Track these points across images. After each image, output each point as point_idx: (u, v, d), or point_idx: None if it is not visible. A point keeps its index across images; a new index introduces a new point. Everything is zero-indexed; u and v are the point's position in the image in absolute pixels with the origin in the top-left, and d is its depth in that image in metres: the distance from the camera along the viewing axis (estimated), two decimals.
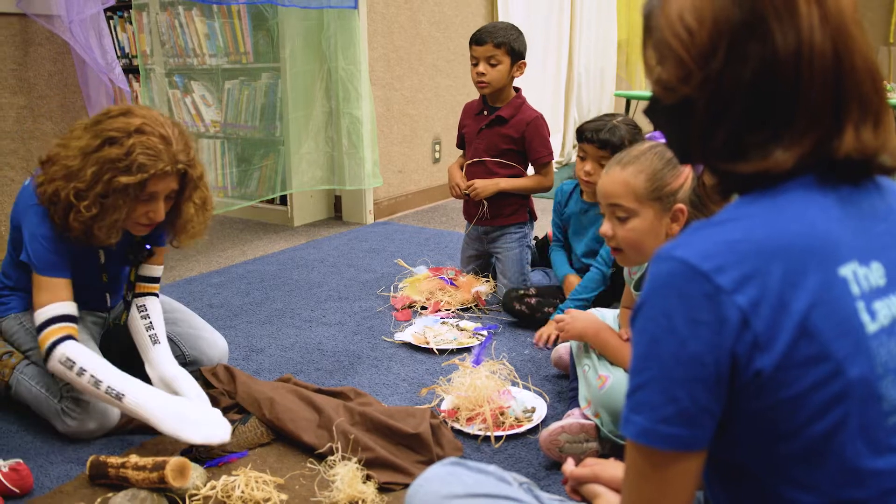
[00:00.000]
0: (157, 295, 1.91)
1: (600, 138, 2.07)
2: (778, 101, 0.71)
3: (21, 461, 1.53)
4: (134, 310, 1.85)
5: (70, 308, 1.68)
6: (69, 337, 1.64)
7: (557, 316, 1.71)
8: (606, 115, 2.19)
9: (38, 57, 2.51)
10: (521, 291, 2.41)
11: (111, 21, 4.19)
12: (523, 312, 2.36)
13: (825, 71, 0.70)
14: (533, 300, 2.36)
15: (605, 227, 1.49)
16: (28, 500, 1.50)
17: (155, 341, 1.80)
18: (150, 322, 1.83)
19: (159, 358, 1.78)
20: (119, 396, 1.58)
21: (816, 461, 0.70)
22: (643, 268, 1.63)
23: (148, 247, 1.87)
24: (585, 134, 2.12)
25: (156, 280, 1.91)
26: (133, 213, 1.66)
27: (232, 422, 1.74)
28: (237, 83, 3.81)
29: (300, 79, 3.60)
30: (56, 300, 1.66)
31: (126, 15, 4.19)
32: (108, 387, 1.58)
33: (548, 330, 2.11)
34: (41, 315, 1.65)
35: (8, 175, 2.46)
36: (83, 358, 1.61)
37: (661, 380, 0.70)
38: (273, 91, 3.67)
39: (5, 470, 1.50)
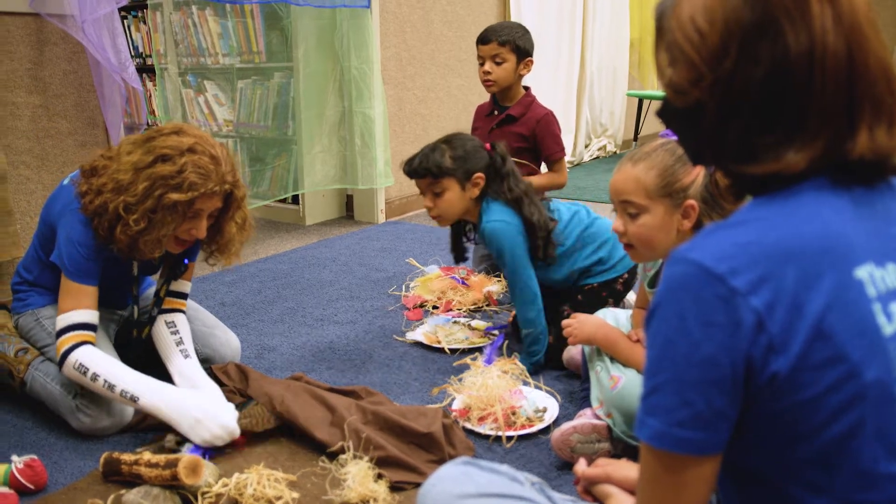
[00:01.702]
0: (184, 312, 1.92)
1: (414, 169, 2.01)
2: (790, 103, 0.71)
3: (35, 457, 1.54)
4: (162, 325, 1.86)
5: (91, 316, 1.71)
6: (84, 343, 1.67)
7: (565, 322, 1.71)
8: (428, 144, 2.08)
9: (54, 56, 2.53)
10: None
11: (125, 21, 4.21)
12: None
13: (838, 72, 0.70)
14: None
15: (617, 224, 1.50)
16: (42, 497, 1.51)
17: (186, 355, 1.82)
18: (181, 338, 1.85)
19: (190, 369, 1.78)
20: (134, 399, 1.62)
21: (831, 464, 0.69)
22: (657, 265, 1.63)
23: (186, 261, 1.89)
24: (404, 169, 2.05)
25: (184, 296, 1.93)
26: (178, 230, 1.69)
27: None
28: (250, 82, 3.83)
29: (313, 78, 3.61)
30: (79, 307, 1.69)
31: (140, 14, 4.22)
32: (123, 390, 1.63)
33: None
34: (62, 320, 1.68)
35: (24, 173, 2.48)
36: (96, 363, 1.64)
37: (676, 382, 0.70)
38: (286, 90, 3.69)
39: (20, 466, 1.51)
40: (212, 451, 1.61)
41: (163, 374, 1.78)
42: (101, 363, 1.65)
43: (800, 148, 0.72)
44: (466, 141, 2.01)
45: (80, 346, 1.66)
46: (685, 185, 1.43)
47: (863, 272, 0.70)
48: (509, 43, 2.51)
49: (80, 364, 1.64)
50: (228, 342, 2.01)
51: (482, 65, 2.56)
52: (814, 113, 0.71)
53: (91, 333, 1.70)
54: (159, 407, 1.61)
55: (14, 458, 1.53)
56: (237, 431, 1.61)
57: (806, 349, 0.67)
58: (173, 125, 1.72)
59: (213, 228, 1.79)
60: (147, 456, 1.51)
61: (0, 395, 1.93)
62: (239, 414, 1.65)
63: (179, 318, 1.90)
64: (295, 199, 3.96)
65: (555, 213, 2.07)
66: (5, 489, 1.46)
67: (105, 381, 1.63)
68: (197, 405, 1.61)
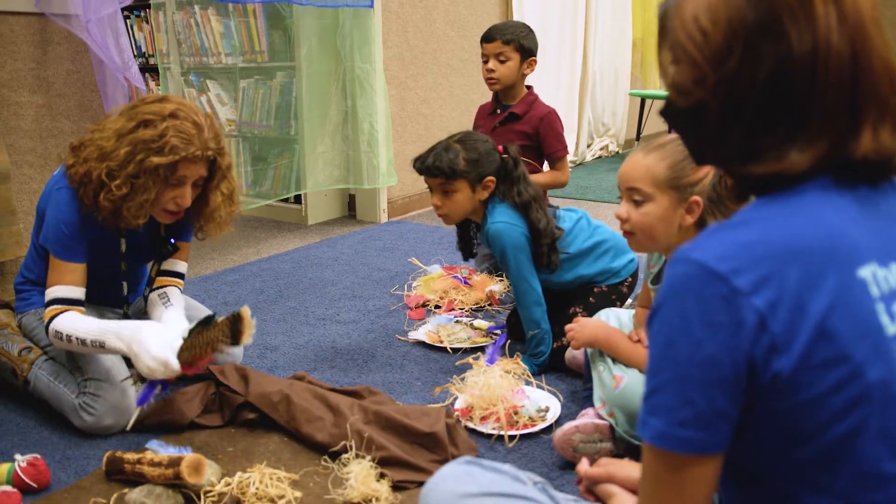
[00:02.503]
0: (180, 287, 1.93)
1: (426, 167, 1.99)
2: (793, 103, 0.71)
3: (38, 456, 1.55)
4: (154, 296, 1.87)
5: (76, 292, 1.73)
6: (60, 314, 1.69)
7: (567, 326, 1.72)
8: (441, 142, 2.06)
9: (57, 56, 2.54)
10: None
11: (128, 20, 4.22)
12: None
13: (841, 72, 0.70)
14: None
15: (621, 210, 1.52)
16: (45, 495, 1.52)
17: (167, 305, 1.82)
18: (168, 298, 1.85)
19: (168, 315, 1.78)
20: (102, 345, 1.65)
21: (835, 465, 0.69)
22: (660, 262, 1.64)
23: (172, 241, 1.89)
24: (415, 166, 2.04)
25: (179, 275, 1.93)
26: (161, 197, 1.69)
27: (246, 420, 1.75)
28: (252, 82, 3.83)
29: (315, 78, 3.61)
30: (64, 283, 1.72)
31: (143, 14, 4.23)
32: (92, 340, 1.65)
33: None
34: (48, 294, 1.73)
35: (27, 173, 2.49)
36: (68, 325, 1.67)
37: (677, 382, 0.70)
38: (288, 90, 3.69)
39: (23, 465, 1.52)
40: (162, 384, 1.61)
41: None
42: (72, 324, 1.67)
43: (803, 148, 0.72)
44: (480, 142, 2.01)
45: (55, 319, 1.68)
46: (693, 181, 1.44)
47: (866, 272, 0.70)
48: (513, 42, 2.52)
49: (56, 331, 1.67)
50: None
51: (486, 62, 2.57)
52: (817, 113, 0.71)
53: (74, 307, 1.72)
54: (118, 344, 1.62)
55: (17, 456, 1.54)
56: (174, 363, 1.57)
57: (809, 349, 0.67)
58: (157, 95, 1.73)
59: (198, 199, 1.78)
60: (150, 455, 1.51)
61: (3, 394, 1.94)
62: (181, 345, 1.60)
63: (171, 289, 1.88)
64: (297, 199, 3.96)
65: (559, 221, 2.06)
66: (9, 488, 1.46)
67: (77, 338, 1.65)
68: (139, 339, 1.59)
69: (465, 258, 2.28)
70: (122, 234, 1.83)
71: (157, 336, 1.60)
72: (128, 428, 1.69)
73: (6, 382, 1.90)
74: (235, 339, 1.57)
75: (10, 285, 2.42)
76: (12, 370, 1.84)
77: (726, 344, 0.68)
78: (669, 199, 1.46)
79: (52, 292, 1.72)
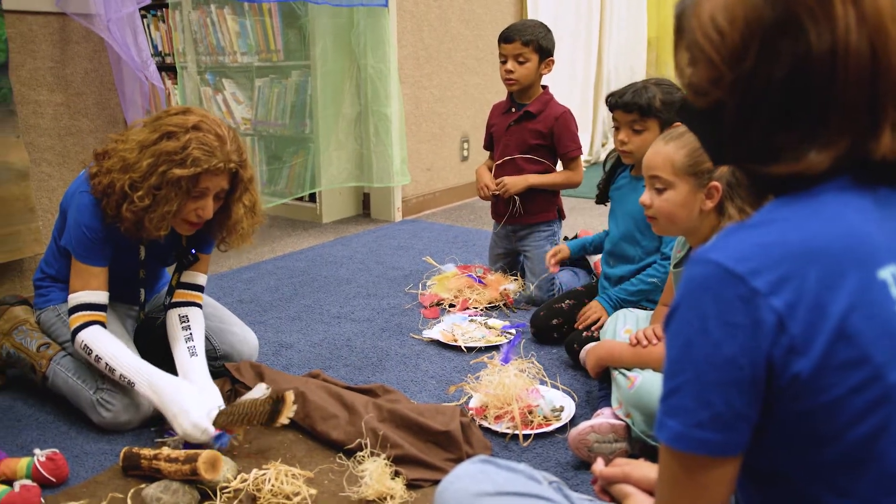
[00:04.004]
0: (199, 306, 1.91)
1: (624, 101, 2.04)
2: (812, 103, 0.70)
3: (57, 451, 1.57)
4: (175, 318, 1.85)
5: (100, 297, 1.75)
6: (92, 323, 1.73)
7: (582, 354, 1.79)
8: (637, 82, 2.13)
9: (76, 55, 2.56)
10: (550, 314, 2.26)
11: (145, 20, 4.24)
12: (554, 338, 2.25)
13: (861, 71, 0.69)
14: (564, 326, 2.23)
15: (645, 197, 1.59)
16: (63, 489, 1.53)
17: (193, 354, 1.80)
18: (191, 334, 1.83)
19: (193, 368, 1.77)
20: (130, 384, 1.67)
21: (856, 467, 0.69)
22: (686, 248, 1.67)
23: (193, 251, 1.90)
24: (609, 100, 2.10)
25: (199, 288, 1.93)
26: (183, 209, 1.70)
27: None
28: (268, 81, 3.85)
29: (330, 77, 3.62)
30: (88, 288, 1.75)
31: (160, 14, 4.25)
32: (121, 374, 1.68)
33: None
34: (72, 300, 1.75)
35: (45, 171, 2.51)
36: (99, 345, 1.69)
37: (695, 383, 0.70)
38: (303, 89, 3.70)
39: (42, 459, 1.53)
40: (195, 445, 1.60)
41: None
42: (104, 346, 1.69)
43: (822, 148, 0.71)
44: (675, 89, 2.04)
45: (87, 327, 1.72)
46: (712, 167, 1.48)
47: (886, 273, 0.69)
48: (533, 42, 2.51)
49: (86, 345, 1.70)
50: (246, 339, 2.02)
51: (504, 63, 2.56)
52: (836, 113, 0.70)
53: (100, 313, 1.75)
54: (151, 396, 1.64)
55: (36, 451, 1.56)
56: (210, 430, 1.57)
57: (828, 350, 0.67)
58: (181, 106, 1.74)
59: (221, 211, 1.79)
60: (166, 451, 1.52)
61: (23, 390, 1.96)
62: (219, 412, 1.61)
63: (193, 313, 1.88)
64: (312, 197, 3.98)
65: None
66: (28, 482, 1.48)
67: (106, 364, 1.68)
68: (179, 400, 1.60)
69: (599, 202, 2.29)
70: (143, 242, 1.84)
71: (197, 404, 1.60)
72: (155, 441, 1.70)
73: (25, 378, 1.93)
74: (273, 418, 1.58)
75: (29, 282, 2.45)
76: (31, 366, 1.86)
77: (745, 345, 0.68)
78: (689, 186, 1.52)
79: (77, 298, 1.74)
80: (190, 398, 1.61)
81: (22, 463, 1.54)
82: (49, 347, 1.87)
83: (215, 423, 1.59)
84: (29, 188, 2.34)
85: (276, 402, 1.58)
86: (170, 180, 1.63)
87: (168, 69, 4.10)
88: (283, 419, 1.57)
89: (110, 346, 1.69)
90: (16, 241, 2.32)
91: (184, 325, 1.85)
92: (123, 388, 1.73)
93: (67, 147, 2.58)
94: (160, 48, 4.28)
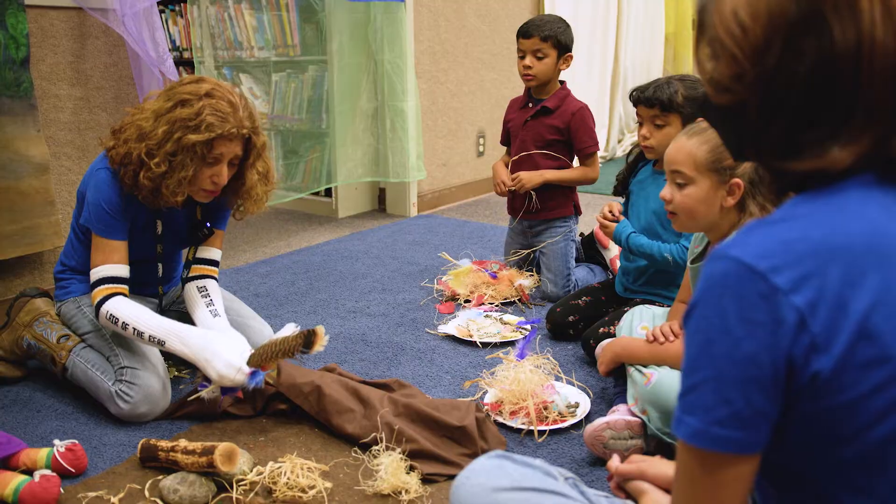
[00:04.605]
0: (216, 279, 1.97)
1: (646, 96, 2.04)
2: (835, 99, 0.69)
3: (76, 442, 1.58)
4: (193, 289, 1.91)
5: (121, 270, 1.80)
6: (115, 295, 1.76)
7: (597, 350, 1.78)
8: (661, 77, 2.15)
9: (95, 50, 2.58)
10: (566, 310, 2.25)
11: (163, 14, 4.27)
12: (570, 334, 2.25)
13: (886, 67, 0.68)
14: (580, 323, 2.22)
15: (665, 192, 1.58)
16: (82, 480, 1.55)
17: (215, 315, 1.86)
18: (211, 300, 1.89)
19: (219, 326, 1.83)
20: (161, 343, 1.71)
21: (877, 466, 0.68)
22: (704, 243, 1.66)
23: (208, 225, 1.94)
24: (633, 95, 2.10)
25: (215, 263, 1.98)
26: (199, 175, 1.74)
27: (278, 411, 1.77)
28: (285, 76, 3.86)
29: (347, 72, 3.63)
30: (109, 261, 1.79)
31: (177, 9, 4.27)
32: (150, 335, 1.71)
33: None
34: (94, 274, 1.78)
35: (65, 164, 2.53)
36: (125, 313, 1.73)
37: (715, 381, 0.69)
38: (320, 84, 3.71)
39: (62, 450, 1.55)
40: (230, 391, 1.70)
41: None
42: (129, 313, 1.73)
43: (845, 144, 0.70)
44: (699, 84, 2.03)
45: (110, 298, 1.75)
46: (734, 164, 1.46)
47: None
48: (551, 38, 2.50)
49: (111, 315, 1.73)
50: (262, 332, 2.03)
51: (522, 58, 2.55)
52: (860, 109, 0.69)
53: (122, 286, 1.79)
54: (182, 349, 1.69)
55: (56, 442, 1.57)
56: (245, 368, 1.65)
57: (850, 349, 0.66)
58: (194, 76, 1.79)
59: (235, 178, 1.83)
60: (184, 443, 1.53)
61: (42, 381, 1.99)
62: (252, 352, 1.68)
63: (211, 284, 1.93)
64: (328, 192, 3.99)
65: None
66: (48, 472, 1.49)
67: (134, 328, 1.72)
68: (210, 347, 1.67)
69: (617, 194, 2.30)
70: (160, 215, 1.87)
71: (228, 348, 1.67)
72: (188, 400, 1.78)
73: (45, 370, 1.95)
74: (308, 347, 1.63)
75: (48, 274, 2.47)
76: (51, 357, 1.88)
77: (765, 342, 0.67)
78: (710, 182, 1.51)
79: (99, 272, 1.78)
80: (220, 343, 1.68)
81: (42, 453, 1.56)
82: (69, 339, 1.89)
83: (249, 363, 1.65)
84: (49, 182, 2.36)
85: (309, 334, 1.63)
86: (185, 146, 1.67)
87: (186, 64, 4.12)
88: (318, 347, 1.63)
89: (135, 312, 1.74)
90: (35, 233, 2.34)
91: (203, 293, 1.90)
92: (141, 379, 1.75)
93: (87, 141, 2.60)
94: (178, 43, 4.31)
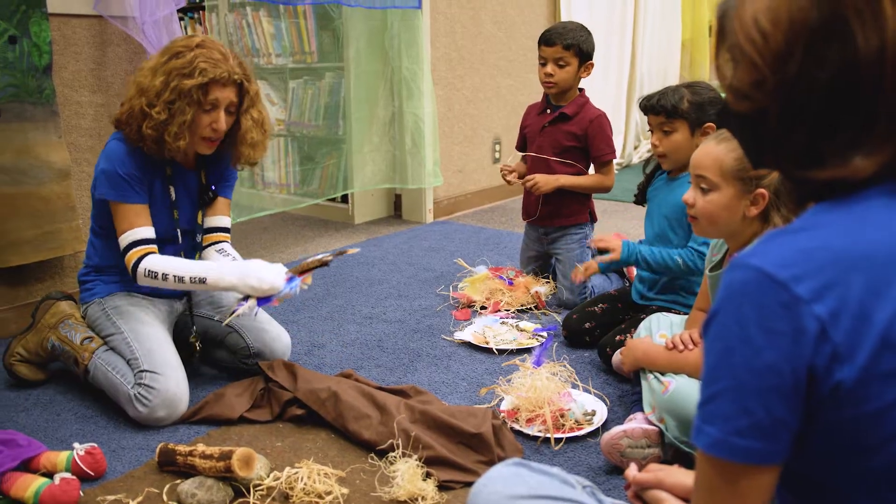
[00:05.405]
0: (229, 242, 2.11)
1: (651, 104, 2.06)
2: (857, 107, 0.68)
3: (96, 445, 1.60)
4: (212, 253, 2.05)
5: (148, 232, 1.88)
6: (148, 255, 1.85)
7: (614, 358, 1.81)
8: (670, 86, 2.15)
9: (116, 57, 2.61)
10: (582, 317, 2.24)
11: (182, 22, 4.31)
12: (586, 342, 2.24)
13: None
14: (597, 330, 2.21)
15: (688, 195, 1.58)
16: (101, 483, 1.56)
17: (234, 259, 2.01)
18: (233, 257, 2.03)
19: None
20: (202, 280, 1.83)
21: None
22: (723, 250, 1.65)
23: (213, 188, 2.05)
24: (641, 104, 2.12)
25: (226, 229, 2.10)
26: (198, 122, 1.85)
27: (294, 416, 1.78)
28: (302, 82, 3.88)
29: (363, 78, 3.65)
30: (135, 225, 1.87)
31: (196, 16, 4.32)
32: (191, 277, 1.83)
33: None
34: (123, 241, 1.86)
35: (86, 170, 2.56)
36: (162, 265, 1.84)
37: (735, 390, 0.69)
38: (337, 90, 3.73)
39: (81, 453, 1.57)
40: (263, 301, 1.84)
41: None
42: (166, 263, 1.84)
43: (868, 153, 0.69)
44: (706, 90, 2.04)
45: (144, 258, 1.84)
46: (760, 174, 1.46)
47: None
48: (574, 47, 2.50)
49: (150, 271, 1.83)
50: (279, 337, 2.04)
51: (543, 65, 2.55)
52: (883, 117, 0.68)
53: (152, 246, 1.87)
54: (221, 276, 1.83)
55: (76, 445, 1.59)
56: (283, 270, 1.84)
57: (873, 359, 0.65)
58: (185, 35, 1.93)
59: (231, 128, 1.93)
60: (201, 447, 1.54)
61: (63, 385, 2.01)
62: (289, 268, 1.88)
63: (226, 246, 2.07)
64: (344, 198, 4.01)
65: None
66: (68, 475, 1.51)
67: (174, 276, 1.82)
68: (247, 266, 1.85)
69: (638, 203, 2.31)
70: (172, 181, 1.96)
71: (265, 263, 1.86)
72: (224, 322, 1.94)
73: (67, 372, 1.98)
74: (340, 253, 1.93)
75: (69, 279, 2.50)
76: (74, 358, 1.90)
77: (786, 352, 0.67)
78: (734, 190, 1.50)
79: (127, 237, 1.85)
80: (256, 263, 1.86)
81: (62, 456, 1.58)
82: (92, 341, 1.91)
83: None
84: (70, 187, 2.39)
85: (342, 250, 1.93)
86: (182, 91, 1.79)
87: None
88: (352, 251, 1.96)
89: (172, 261, 1.85)
90: (57, 238, 2.37)
91: (223, 254, 2.04)
92: (160, 383, 1.77)
93: None
94: None
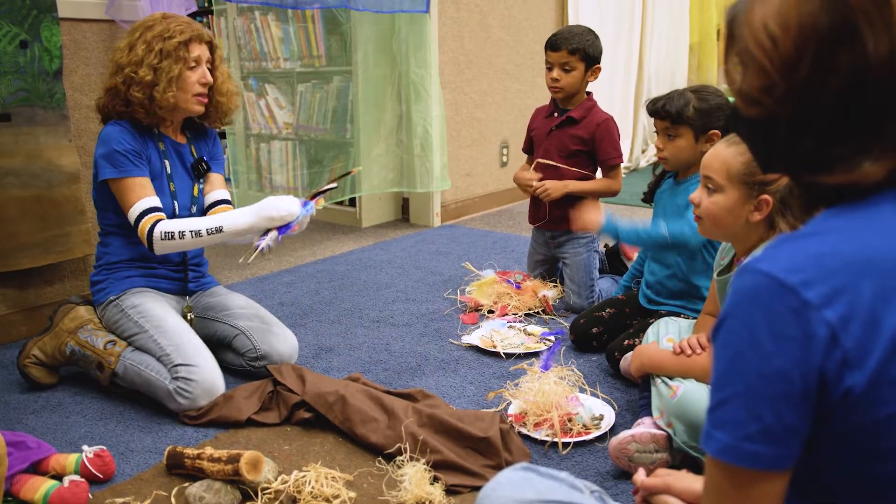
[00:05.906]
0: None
1: (657, 108, 2.08)
2: (867, 112, 0.68)
3: (105, 448, 1.60)
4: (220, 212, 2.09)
5: (154, 201, 1.93)
6: (159, 221, 1.90)
7: (622, 363, 1.80)
8: (678, 89, 2.16)
9: None
10: (590, 322, 2.24)
11: None
12: (594, 346, 2.24)
13: None
14: (604, 334, 2.21)
15: (695, 195, 1.60)
16: (110, 486, 1.57)
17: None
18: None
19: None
20: (219, 230, 1.89)
21: None
22: (731, 254, 1.65)
23: (206, 158, 2.12)
24: (648, 107, 2.14)
25: (227, 201, 2.15)
26: (186, 79, 1.94)
27: (302, 420, 1.78)
28: (310, 86, 3.89)
29: (371, 82, 3.65)
30: (138, 198, 1.91)
31: (205, 20, 4.33)
32: (207, 229, 1.89)
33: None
34: (132, 214, 1.91)
35: None
36: (176, 225, 1.89)
37: (745, 396, 0.69)
38: (345, 94, 3.74)
39: (90, 456, 1.57)
40: (283, 229, 1.89)
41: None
42: (179, 223, 1.90)
43: (877, 158, 0.69)
44: (713, 96, 2.05)
45: (157, 224, 1.89)
46: (767, 180, 1.47)
47: None
48: (580, 51, 2.50)
49: (165, 232, 1.88)
50: (287, 339, 2.05)
51: (550, 70, 2.55)
52: (893, 122, 0.69)
53: (160, 213, 1.92)
54: (238, 220, 1.88)
55: (85, 447, 1.60)
56: (295, 200, 1.89)
57: (883, 365, 0.65)
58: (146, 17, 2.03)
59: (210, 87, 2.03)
60: (210, 450, 1.55)
61: (73, 387, 2.02)
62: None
63: (229, 207, 2.12)
64: (352, 202, 4.01)
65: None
66: (77, 477, 1.51)
67: (191, 231, 1.89)
68: (259, 204, 1.89)
69: (645, 200, 2.32)
70: (167, 155, 2.03)
71: (276, 196, 1.91)
72: (249, 261, 1.96)
73: (83, 375, 2.00)
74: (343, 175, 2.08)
75: (79, 282, 2.51)
76: (98, 363, 1.91)
77: (796, 358, 0.66)
78: (739, 193, 1.51)
79: (136, 209, 1.90)
80: (267, 198, 1.89)
81: (71, 459, 1.58)
82: (115, 344, 1.93)
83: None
84: (80, 191, 2.40)
85: (345, 173, 2.11)
86: (167, 51, 1.90)
87: None
88: (356, 170, 2.21)
89: (184, 220, 1.91)
90: (66, 242, 2.38)
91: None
92: (197, 375, 1.81)
93: None
94: None
